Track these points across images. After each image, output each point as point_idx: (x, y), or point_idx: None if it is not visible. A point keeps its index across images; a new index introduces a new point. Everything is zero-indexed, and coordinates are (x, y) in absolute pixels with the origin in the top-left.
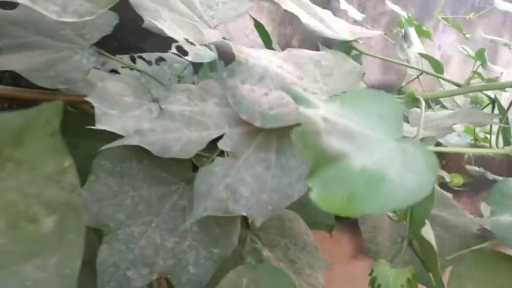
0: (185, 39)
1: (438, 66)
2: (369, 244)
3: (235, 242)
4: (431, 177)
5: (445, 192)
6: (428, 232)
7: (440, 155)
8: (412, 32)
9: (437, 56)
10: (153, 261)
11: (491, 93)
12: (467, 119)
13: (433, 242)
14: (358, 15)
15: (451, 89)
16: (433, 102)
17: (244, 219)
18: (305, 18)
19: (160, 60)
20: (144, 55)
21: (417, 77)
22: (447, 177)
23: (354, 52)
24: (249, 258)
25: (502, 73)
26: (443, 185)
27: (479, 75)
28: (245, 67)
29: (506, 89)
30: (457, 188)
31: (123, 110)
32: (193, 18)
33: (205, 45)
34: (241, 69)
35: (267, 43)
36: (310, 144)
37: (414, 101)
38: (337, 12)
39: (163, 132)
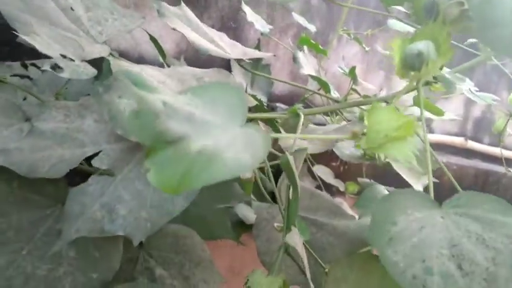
0: (62, 55)
1: (325, 86)
2: (263, 257)
3: (117, 266)
4: (263, 152)
5: (336, 201)
6: (295, 240)
7: (341, 163)
8: (301, 55)
9: (342, 66)
10: None
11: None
12: (349, 132)
13: (299, 247)
14: (265, 27)
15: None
16: (333, 114)
17: None
18: (192, 37)
19: (57, 66)
20: (38, 62)
21: (319, 90)
22: (341, 186)
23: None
24: (141, 278)
25: (381, 90)
26: (340, 192)
27: (356, 91)
28: (122, 82)
29: None
30: (353, 196)
31: None
32: (78, 33)
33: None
34: (118, 84)
35: (162, 56)
36: (146, 125)
37: (297, 116)
38: (245, 23)
39: (31, 151)
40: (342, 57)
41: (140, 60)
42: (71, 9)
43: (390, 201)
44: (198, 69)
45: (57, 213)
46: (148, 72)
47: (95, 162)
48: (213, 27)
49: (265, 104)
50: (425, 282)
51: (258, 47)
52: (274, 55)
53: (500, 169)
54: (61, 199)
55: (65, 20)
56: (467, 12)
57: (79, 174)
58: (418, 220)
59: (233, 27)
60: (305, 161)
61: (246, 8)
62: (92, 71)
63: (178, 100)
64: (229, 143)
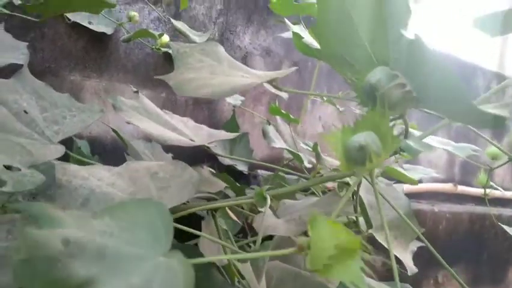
0: (5, 166)
1: (297, 158)
2: None
3: None
4: None
5: None
6: None
7: None
8: (270, 129)
9: (319, 126)
10: None
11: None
12: (326, 208)
13: None
14: (236, 100)
15: (300, 183)
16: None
17: None
18: (149, 128)
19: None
20: None
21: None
22: None
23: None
24: None
25: None
26: None
27: (325, 166)
28: (67, 190)
29: None
30: None
31: None
32: (33, 136)
33: None
34: (62, 192)
35: (124, 145)
36: (39, 274)
37: (263, 199)
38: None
39: None
40: (318, 118)
41: (113, 143)
42: (25, 112)
43: None
44: (153, 163)
45: None
46: (96, 176)
47: None
48: (187, 102)
49: (246, 172)
50: None
51: (233, 118)
52: (246, 132)
53: (496, 211)
54: None
55: (18, 125)
56: (410, 94)
57: None
58: None
59: (208, 100)
60: None
61: None
62: (39, 178)
63: (91, 229)
64: (145, 282)
